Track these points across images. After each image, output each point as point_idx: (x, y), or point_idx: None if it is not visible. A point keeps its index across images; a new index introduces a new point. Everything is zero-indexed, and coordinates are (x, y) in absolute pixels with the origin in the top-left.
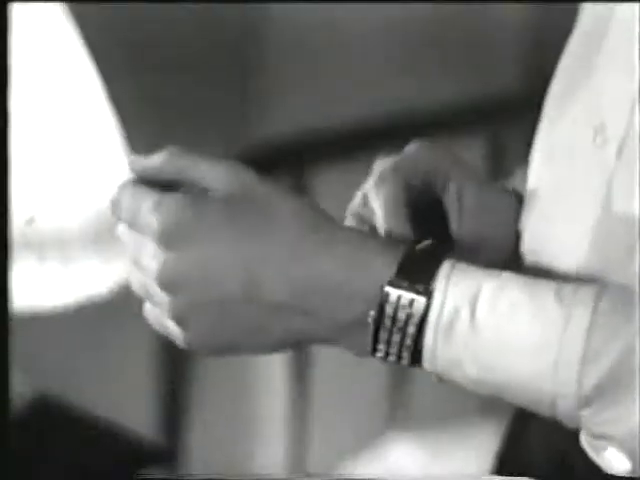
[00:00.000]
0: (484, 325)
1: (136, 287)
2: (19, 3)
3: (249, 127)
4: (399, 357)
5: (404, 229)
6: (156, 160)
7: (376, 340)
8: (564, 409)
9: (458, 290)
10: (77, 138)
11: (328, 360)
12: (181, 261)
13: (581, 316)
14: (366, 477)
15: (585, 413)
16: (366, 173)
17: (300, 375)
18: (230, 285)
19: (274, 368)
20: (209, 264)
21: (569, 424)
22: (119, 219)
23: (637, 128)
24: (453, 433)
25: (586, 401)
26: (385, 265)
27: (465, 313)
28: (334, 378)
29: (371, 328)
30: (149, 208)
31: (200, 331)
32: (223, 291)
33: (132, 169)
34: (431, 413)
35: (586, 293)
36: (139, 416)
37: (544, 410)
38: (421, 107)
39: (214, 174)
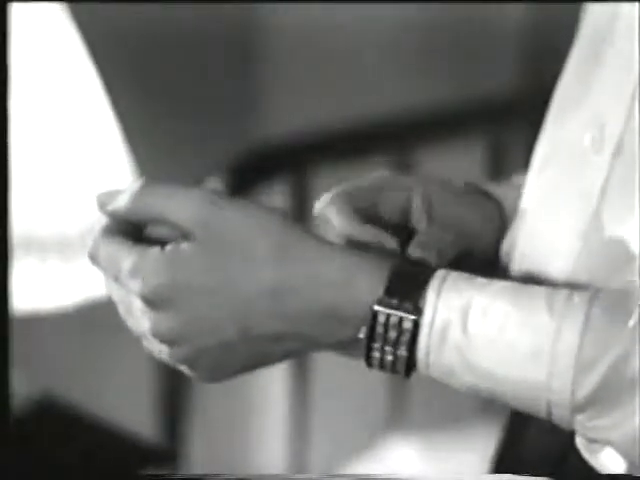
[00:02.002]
0: (476, 338)
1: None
2: (19, 3)
3: (250, 127)
4: (393, 370)
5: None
6: (124, 201)
7: (369, 355)
8: (558, 415)
9: (448, 305)
10: (77, 138)
11: (328, 360)
12: (171, 320)
13: (573, 326)
14: (366, 477)
15: (579, 419)
16: (366, 173)
17: (300, 375)
18: (225, 332)
19: (274, 368)
20: (200, 317)
21: (564, 427)
22: (100, 270)
23: (636, 128)
24: (453, 433)
25: (580, 408)
26: (373, 284)
27: (456, 327)
28: (334, 378)
29: (364, 344)
30: (127, 273)
31: (204, 371)
32: (220, 337)
33: (101, 209)
34: (431, 413)
35: (578, 301)
36: (139, 416)
37: (539, 415)
38: (421, 107)
39: (184, 215)
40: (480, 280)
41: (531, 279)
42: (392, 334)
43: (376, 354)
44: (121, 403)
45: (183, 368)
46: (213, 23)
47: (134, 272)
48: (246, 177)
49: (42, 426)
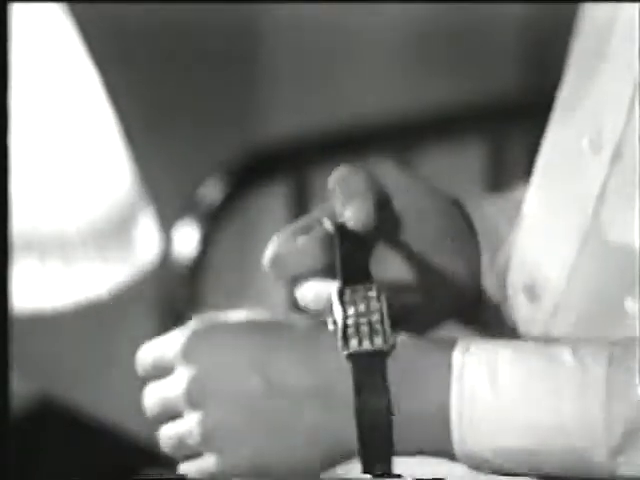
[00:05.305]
0: (507, 392)
1: (170, 448)
2: (19, 3)
3: (250, 128)
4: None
5: (367, 218)
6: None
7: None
8: (599, 462)
9: (476, 366)
10: (77, 138)
11: None
12: (208, 371)
13: (598, 361)
14: (366, 477)
15: (620, 460)
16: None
17: None
18: (248, 381)
19: None
20: (233, 365)
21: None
22: (147, 380)
23: (635, 132)
24: None
25: (619, 449)
26: None
27: (485, 385)
28: None
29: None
30: (175, 335)
31: (231, 447)
32: (243, 390)
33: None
34: None
35: (599, 344)
36: (139, 417)
37: (582, 470)
38: (421, 107)
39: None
40: (500, 340)
41: (529, 281)
42: None
43: None
44: (121, 403)
45: (209, 460)
46: (213, 23)
47: (154, 342)
48: (246, 177)
49: (42, 426)
